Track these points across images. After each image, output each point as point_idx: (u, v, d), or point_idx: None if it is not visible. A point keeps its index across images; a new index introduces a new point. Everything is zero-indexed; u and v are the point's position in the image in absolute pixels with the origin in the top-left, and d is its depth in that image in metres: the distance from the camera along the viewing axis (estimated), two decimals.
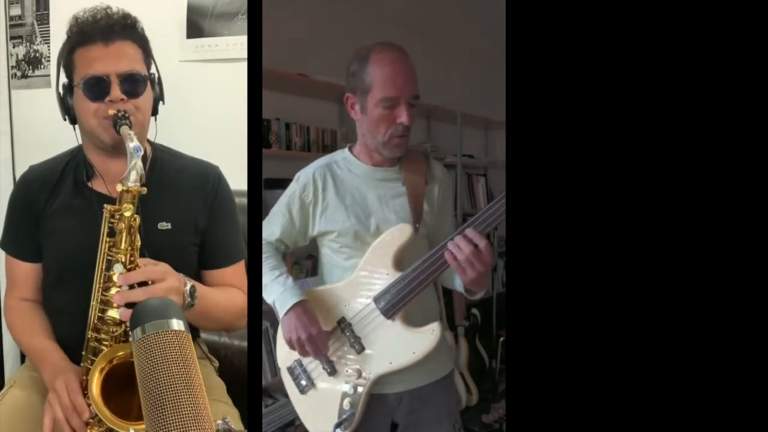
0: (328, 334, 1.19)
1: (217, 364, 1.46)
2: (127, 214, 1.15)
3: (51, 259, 1.31)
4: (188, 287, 1.18)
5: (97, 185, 1.30)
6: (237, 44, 1.81)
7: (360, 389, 1.17)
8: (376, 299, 1.16)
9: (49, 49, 2.03)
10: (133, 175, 1.15)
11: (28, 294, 1.35)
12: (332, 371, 1.20)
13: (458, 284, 1.22)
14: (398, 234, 1.16)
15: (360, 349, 1.17)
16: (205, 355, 1.42)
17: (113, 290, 1.15)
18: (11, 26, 2.11)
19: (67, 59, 1.26)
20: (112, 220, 1.17)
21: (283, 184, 2.26)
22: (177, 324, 0.78)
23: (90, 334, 1.18)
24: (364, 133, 1.20)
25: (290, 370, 1.26)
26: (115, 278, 1.14)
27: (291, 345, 1.17)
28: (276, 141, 2.35)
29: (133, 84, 1.24)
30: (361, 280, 1.19)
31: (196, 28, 1.82)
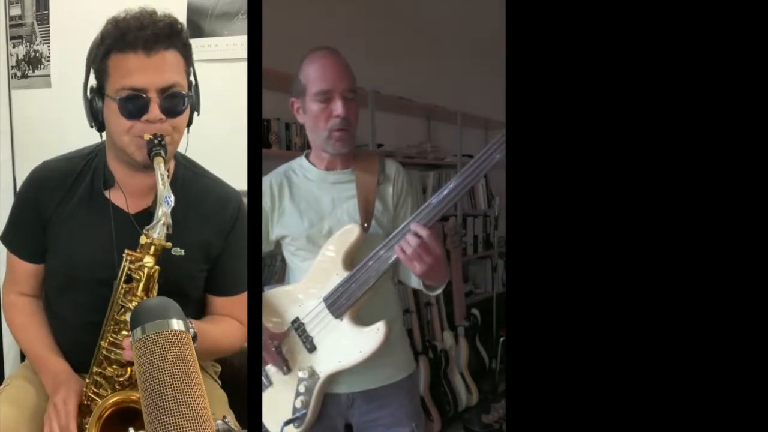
0: (281, 335, 1.21)
1: (219, 369, 1.44)
2: (149, 265, 1.11)
3: (56, 267, 1.27)
4: (191, 333, 1.16)
5: (115, 197, 1.24)
6: (237, 44, 1.81)
7: (311, 388, 1.18)
8: (326, 299, 1.17)
9: (49, 49, 2.03)
10: (160, 228, 1.09)
11: (28, 290, 1.32)
12: (287, 370, 1.21)
13: (415, 281, 1.22)
14: (346, 235, 1.17)
15: (311, 348, 1.19)
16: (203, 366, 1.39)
17: (124, 332, 1.13)
18: (11, 26, 2.11)
19: (100, 64, 1.15)
20: (131, 267, 1.12)
21: None
22: (177, 324, 0.78)
23: (94, 368, 1.17)
24: (310, 134, 1.23)
25: None
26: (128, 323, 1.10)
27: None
28: (276, 141, 2.35)
29: (173, 102, 1.15)
30: (313, 280, 1.20)
31: (196, 28, 1.82)
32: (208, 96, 1.86)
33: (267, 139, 2.29)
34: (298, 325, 1.20)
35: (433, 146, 3.31)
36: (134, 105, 1.13)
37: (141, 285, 1.11)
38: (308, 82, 1.18)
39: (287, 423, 1.17)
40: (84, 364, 1.22)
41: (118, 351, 1.14)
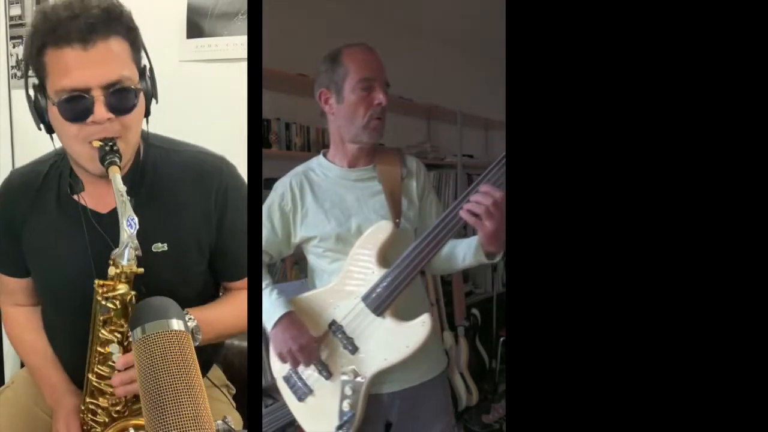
0: (320, 339, 1.20)
1: (234, 390, 1.40)
2: (122, 291, 1.02)
3: (42, 284, 1.22)
4: (191, 328, 1.09)
5: (85, 201, 1.16)
6: (237, 44, 1.81)
7: (358, 389, 1.17)
8: (365, 298, 1.16)
9: None
10: (128, 254, 0.99)
11: (23, 301, 1.27)
12: (328, 375, 1.20)
13: (463, 258, 1.22)
14: (378, 231, 1.17)
15: (353, 349, 1.17)
16: (215, 385, 1.33)
17: (111, 362, 1.08)
18: (11, 26, 2.11)
19: (36, 61, 1.04)
20: (106, 295, 1.02)
21: None
22: (177, 324, 0.78)
23: (87, 399, 1.13)
24: (340, 124, 1.22)
25: (286, 379, 1.26)
26: (114, 358, 1.06)
27: (283, 358, 1.18)
28: (276, 141, 2.34)
29: (122, 98, 1.03)
30: (347, 281, 1.19)
31: (196, 28, 1.83)
32: (209, 96, 1.86)
33: (267, 139, 2.29)
34: (336, 328, 1.19)
35: (432, 146, 3.31)
36: (77, 107, 1.01)
37: (118, 313, 1.04)
38: (350, 71, 1.19)
39: (339, 428, 1.17)
40: (83, 375, 1.15)
41: (108, 384, 1.09)
